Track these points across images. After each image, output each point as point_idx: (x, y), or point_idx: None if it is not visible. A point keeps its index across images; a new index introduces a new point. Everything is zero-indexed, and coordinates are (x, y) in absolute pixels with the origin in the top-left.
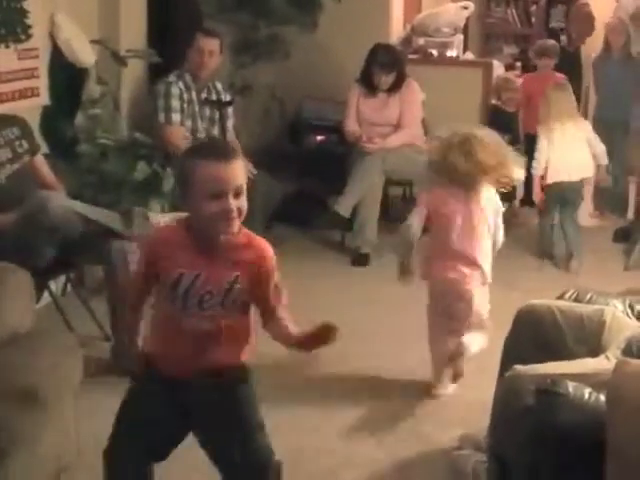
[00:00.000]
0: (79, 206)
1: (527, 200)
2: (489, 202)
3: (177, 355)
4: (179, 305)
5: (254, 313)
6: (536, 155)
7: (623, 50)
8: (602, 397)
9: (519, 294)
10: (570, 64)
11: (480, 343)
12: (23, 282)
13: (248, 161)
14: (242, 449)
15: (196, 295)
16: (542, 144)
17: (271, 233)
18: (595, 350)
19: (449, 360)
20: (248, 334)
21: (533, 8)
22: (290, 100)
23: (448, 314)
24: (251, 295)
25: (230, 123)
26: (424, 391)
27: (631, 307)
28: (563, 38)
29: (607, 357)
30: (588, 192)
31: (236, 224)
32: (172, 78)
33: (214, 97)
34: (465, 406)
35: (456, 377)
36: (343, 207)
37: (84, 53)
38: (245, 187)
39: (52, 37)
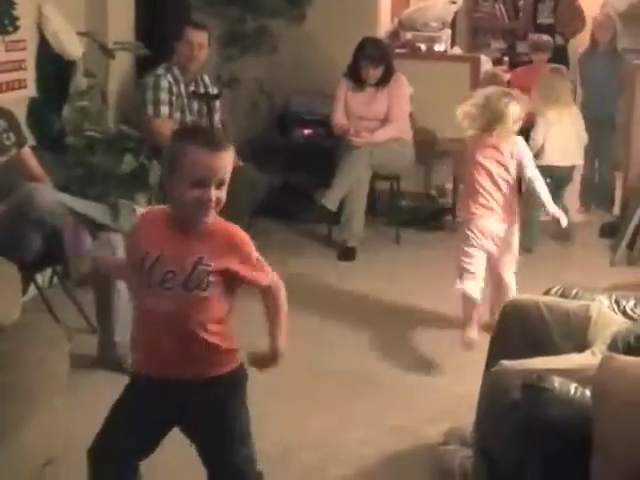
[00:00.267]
0: (66, 199)
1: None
2: (517, 151)
3: (154, 350)
4: (144, 283)
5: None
6: (533, 137)
7: (609, 46)
8: (588, 392)
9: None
10: (558, 59)
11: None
12: (9, 274)
13: (235, 153)
14: (224, 457)
15: (159, 273)
16: (540, 127)
17: (257, 226)
18: (581, 345)
19: (490, 312)
20: (226, 333)
21: (521, 3)
22: (278, 93)
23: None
24: (230, 277)
25: (217, 116)
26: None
27: (617, 303)
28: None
29: (593, 352)
30: (575, 186)
31: (212, 213)
32: (161, 71)
33: (202, 90)
34: (453, 400)
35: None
36: (330, 201)
37: (72, 45)
38: (227, 180)
39: (40, 29)
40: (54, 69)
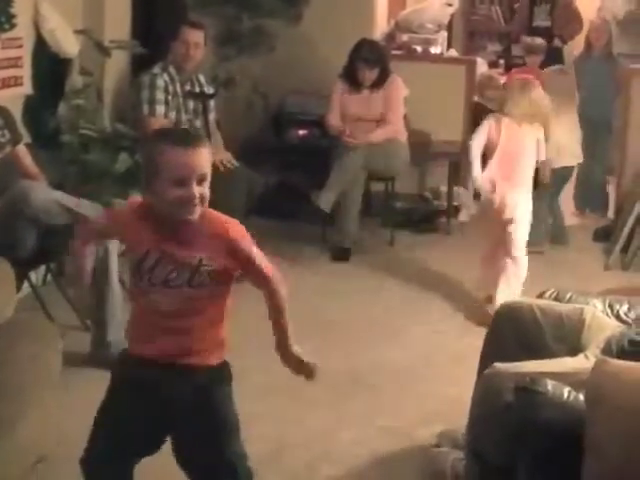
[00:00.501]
0: (61, 197)
1: None
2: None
3: (151, 342)
4: (145, 282)
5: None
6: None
7: (604, 50)
8: (581, 396)
9: None
10: (554, 62)
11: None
12: (4, 272)
13: (229, 153)
14: (216, 453)
15: (162, 272)
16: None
17: (251, 226)
18: (574, 349)
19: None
20: (221, 327)
21: (517, 6)
22: (274, 93)
23: (503, 230)
24: (230, 274)
25: (212, 116)
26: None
27: (611, 307)
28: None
29: (586, 356)
30: (570, 189)
31: (197, 210)
32: (157, 70)
33: (197, 89)
34: (445, 402)
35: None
36: (324, 201)
37: (68, 43)
38: (209, 175)
39: (36, 27)
40: (50, 67)
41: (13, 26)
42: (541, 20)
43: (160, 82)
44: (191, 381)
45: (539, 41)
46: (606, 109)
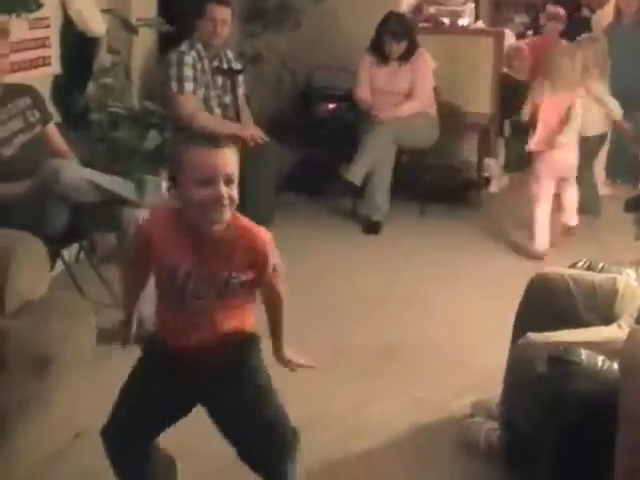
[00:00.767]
0: (91, 174)
1: None
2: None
3: (179, 328)
4: (176, 296)
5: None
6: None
7: (635, 17)
8: (615, 365)
9: (531, 262)
10: (582, 31)
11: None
12: (37, 250)
13: (259, 128)
14: (252, 421)
15: (192, 288)
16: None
17: (282, 201)
18: (607, 318)
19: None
20: (249, 315)
21: None
22: (301, 69)
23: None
24: (251, 282)
25: (241, 91)
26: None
27: None
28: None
29: (620, 325)
30: (601, 160)
31: (227, 212)
32: (184, 47)
33: (225, 66)
34: (479, 373)
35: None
36: (354, 175)
37: (95, 22)
38: (236, 176)
39: (63, 7)
40: (78, 46)
41: (40, 6)
42: None
43: (188, 59)
44: (222, 355)
45: (559, 8)
46: (638, 78)
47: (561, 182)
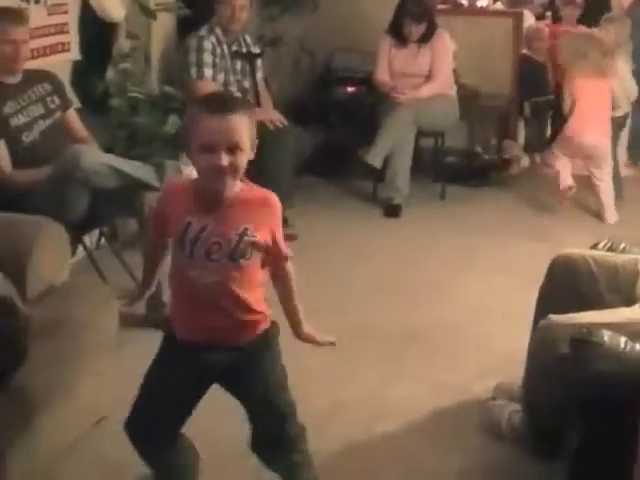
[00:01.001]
0: (112, 159)
1: None
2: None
3: (193, 317)
4: (187, 254)
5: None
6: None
7: None
8: (638, 346)
9: (551, 245)
10: (600, 9)
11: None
12: (58, 236)
13: (278, 112)
14: (263, 410)
15: (203, 246)
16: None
17: (302, 184)
18: (630, 299)
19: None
20: (261, 297)
21: None
22: (319, 52)
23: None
24: (268, 247)
25: (260, 75)
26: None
27: None
28: None
29: None
30: (623, 140)
31: (229, 180)
32: (203, 32)
33: (244, 50)
34: (500, 356)
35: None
36: (374, 157)
37: (113, 8)
38: (244, 144)
39: None
40: (97, 32)
41: None
42: None
43: (207, 44)
44: (236, 355)
45: None
46: None
47: (590, 166)
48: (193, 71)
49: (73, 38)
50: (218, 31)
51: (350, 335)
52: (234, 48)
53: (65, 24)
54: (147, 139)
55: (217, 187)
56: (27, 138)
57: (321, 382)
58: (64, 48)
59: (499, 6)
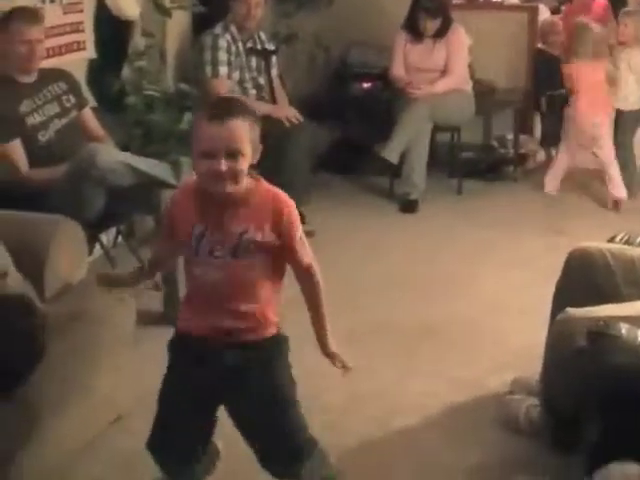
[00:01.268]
0: (128, 157)
1: None
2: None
3: (200, 315)
4: (193, 252)
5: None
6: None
7: None
8: None
9: (568, 239)
10: (617, 6)
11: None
12: (75, 234)
13: (294, 108)
14: (269, 427)
15: (208, 243)
16: (622, 68)
17: (318, 180)
18: None
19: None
20: (271, 301)
21: None
22: (335, 47)
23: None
24: (276, 249)
25: (274, 72)
26: None
27: None
28: None
29: None
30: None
31: (228, 184)
32: (218, 30)
33: (259, 47)
34: (517, 351)
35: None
36: (390, 153)
37: (129, 6)
38: (245, 150)
39: None
40: (112, 30)
41: None
42: None
43: (222, 43)
44: (242, 356)
45: None
46: None
47: (595, 149)
48: (208, 69)
49: (88, 37)
50: (233, 29)
51: (366, 330)
52: (249, 45)
53: (80, 23)
54: (163, 137)
55: (217, 191)
56: (43, 137)
57: (338, 377)
58: (79, 47)
59: (514, 0)
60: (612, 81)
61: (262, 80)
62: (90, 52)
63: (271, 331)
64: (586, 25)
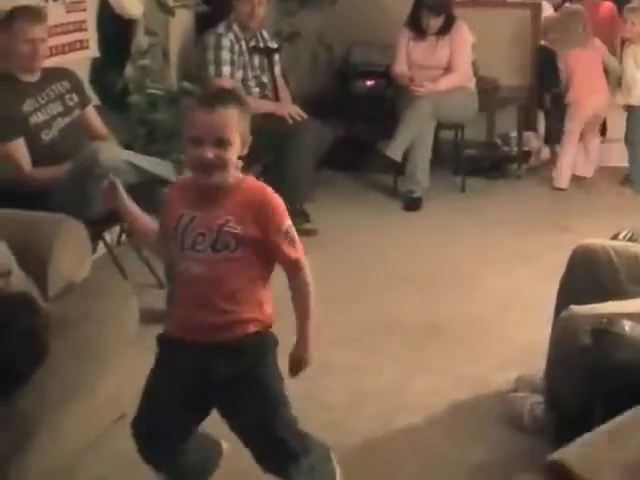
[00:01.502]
0: (131, 156)
1: None
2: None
3: (187, 310)
4: (178, 246)
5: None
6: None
7: None
8: None
9: (572, 236)
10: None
11: None
12: (79, 233)
13: (299, 106)
14: (259, 425)
15: (190, 237)
16: (628, 64)
17: (322, 178)
18: None
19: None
20: (255, 297)
21: None
22: (337, 46)
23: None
24: (259, 243)
25: (277, 70)
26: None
27: None
28: None
29: None
30: None
31: (216, 174)
32: (221, 29)
33: (261, 45)
34: (521, 348)
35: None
36: (394, 151)
37: (132, 5)
38: (234, 138)
39: None
40: (115, 29)
41: None
42: None
43: (225, 42)
44: (226, 357)
45: None
46: None
47: (587, 128)
48: (211, 69)
49: (92, 35)
50: (236, 27)
51: (369, 328)
52: (252, 43)
53: (83, 21)
54: (166, 135)
55: (204, 180)
56: (46, 136)
57: (342, 375)
58: (83, 45)
59: None
60: (616, 77)
61: (265, 78)
62: (93, 51)
63: (254, 329)
64: (575, 11)
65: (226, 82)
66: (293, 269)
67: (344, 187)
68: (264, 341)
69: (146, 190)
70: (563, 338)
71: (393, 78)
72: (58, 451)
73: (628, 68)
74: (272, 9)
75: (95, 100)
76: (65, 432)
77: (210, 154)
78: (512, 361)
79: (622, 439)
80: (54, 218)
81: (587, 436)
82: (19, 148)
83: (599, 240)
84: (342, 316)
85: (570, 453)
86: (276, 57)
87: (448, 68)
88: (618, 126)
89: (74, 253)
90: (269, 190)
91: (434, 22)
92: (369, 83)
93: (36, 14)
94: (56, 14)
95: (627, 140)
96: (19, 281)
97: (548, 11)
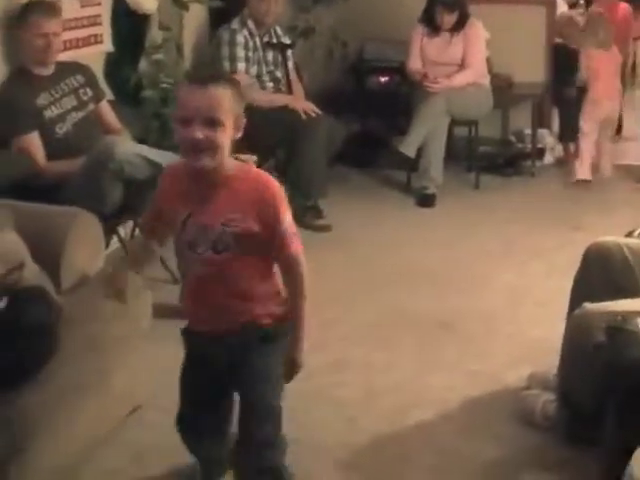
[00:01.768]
0: (145, 150)
1: None
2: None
3: (196, 306)
4: (179, 245)
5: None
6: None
7: None
8: None
9: (585, 233)
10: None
11: None
12: (93, 227)
13: (313, 102)
14: (249, 401)
15: (190, 234)
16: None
17: (335, 174)
18: None
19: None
20: (261, 290)
21: None
22: (352, 41)
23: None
24: (260, 238)
25: (290, 65)
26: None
27: None
28: None
29: None
30: None
31: (206, 157)
32: (235, 25)
33: (275, 40)
34: (534, 345)
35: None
36: (407, 147)
37: (146, 0)
38: (226, 119)
39: None
40: (129, 23)
41: None
42: None
43: (240, 38)
44: (230, 344)
45: None
46: None
47: (601, 130)
48: (226, 65)
49: (106, 30)
50: (250, 23)
51: (383, 324)
52: (265, 39)
53: (98, 16)
54: None
55: (193, 163)
56: (60, 130)
57: (355, 371)
58: (97, 40)
59: None
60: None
61: (279, 73)
62: (107, 45)
63: (264, 323)
64: (599, 15)
65: (241, 78)
66: (289, 263)
67: (358, 183)
68: (278, 335)
69: None
70: (577, 336)
71: (407, 74)
72: (71, 444)
73: None
74: (287, 5)
75: (109, 94)
76: (78, 425)
77: (199, 134)
78: (525, 357)
79: None
80: (68, 211)
81: None
82: (34, 141)
83: (613, 237)
84: (355, 312)
85: None
86: (289, 52)
87: (462, 64)
88: (634, 125)
89: (88, 247)
90: (272, 181)
91: (448, 18)
92: (383, 79)
93: (51, 8)
94: (70, 8)
95: None
96: (32, 274)
97: (562, 8)
